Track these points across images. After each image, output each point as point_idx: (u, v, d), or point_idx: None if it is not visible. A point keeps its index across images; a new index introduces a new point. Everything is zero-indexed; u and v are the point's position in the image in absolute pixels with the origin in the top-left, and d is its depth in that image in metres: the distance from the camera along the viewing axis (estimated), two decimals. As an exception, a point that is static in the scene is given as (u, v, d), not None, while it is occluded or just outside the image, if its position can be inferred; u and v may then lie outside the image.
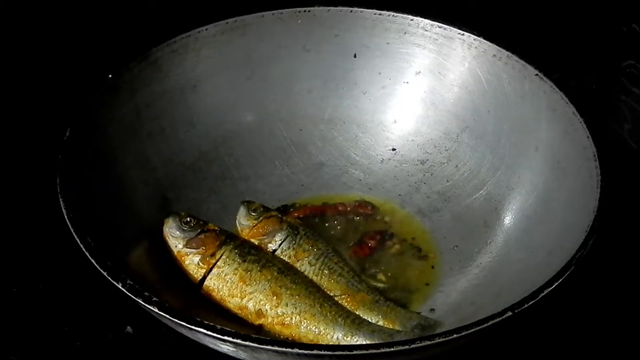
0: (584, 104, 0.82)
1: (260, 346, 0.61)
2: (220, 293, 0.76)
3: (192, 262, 0.77)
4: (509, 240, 0.84)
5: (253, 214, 0.83)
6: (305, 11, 0.95)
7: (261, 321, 0.75)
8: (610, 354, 0.78)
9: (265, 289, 0.75)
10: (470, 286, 0.82)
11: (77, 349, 0.77)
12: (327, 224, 0.88)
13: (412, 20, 0.94)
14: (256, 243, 0.81)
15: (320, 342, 0.73)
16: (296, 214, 0.89)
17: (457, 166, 0.93)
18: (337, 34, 0.96)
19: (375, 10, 0.95)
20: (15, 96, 1.01)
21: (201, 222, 0.80)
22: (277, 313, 0.74)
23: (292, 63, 0.96)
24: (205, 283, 0.77)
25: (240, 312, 0.76)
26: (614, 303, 0.82)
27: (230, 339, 0.61)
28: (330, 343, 0.72)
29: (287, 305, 0.74)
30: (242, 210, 0.84)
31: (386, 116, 0.97)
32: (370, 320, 0.75)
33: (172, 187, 0.88)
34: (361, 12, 0.95)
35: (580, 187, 0.77)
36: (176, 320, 0.63)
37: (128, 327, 0.78)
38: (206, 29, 0.92)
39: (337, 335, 0.73)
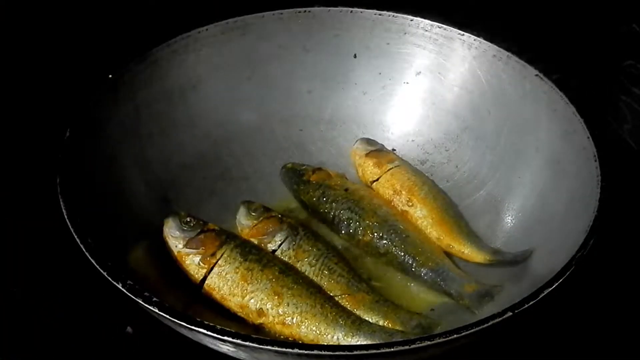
0: (584, 104, 0.82)
1: (260, 346, 0.61)
2: (222, 292, 0.76)
3: (193, 262, 0.77)
4: (509, 240, 0.84)
5: (253, 214, 0.83)
6: (305, 11, 0.95)
7: (262, 320, 0.75)
8: (610, 354, 0.78)
9: (266, 287, 0.75)
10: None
11: (77, 349, 0.77)
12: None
13: (412, 20, 0.94)
14: (256, 243, 0.81)
15: (321, 342, 0.73)
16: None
17: (457, 166, 0.93)
18: (337, 34, 0.96)
19: (375, 11, 0.95)
20: (16, 96, 1.01)
21: (201, 222, 0.80)
22: (278, 312, 0.74)
23: (292, 63, 0.96)
24: (206, 282, 0.77)
25: (241, 310, 0.76)
26: (614, 303, 0.82)
27: (230, 339, 0.61)
28: (331, 343, 0.72)
29: (288, 305, 0.74)
30: (242, 210, 0.84)
31: (386, 116, 0.98)
32: (370, 320, 0.75)
33: (172, 187, 0.88)
34: (361, 12, 0.95)
35: (580, 187, 0.77)
36: (176, 320, 0.63)
37: (128, 327, 0.78)
38: (206, 29, 0.92)
39: (338, 336, 0.73)
